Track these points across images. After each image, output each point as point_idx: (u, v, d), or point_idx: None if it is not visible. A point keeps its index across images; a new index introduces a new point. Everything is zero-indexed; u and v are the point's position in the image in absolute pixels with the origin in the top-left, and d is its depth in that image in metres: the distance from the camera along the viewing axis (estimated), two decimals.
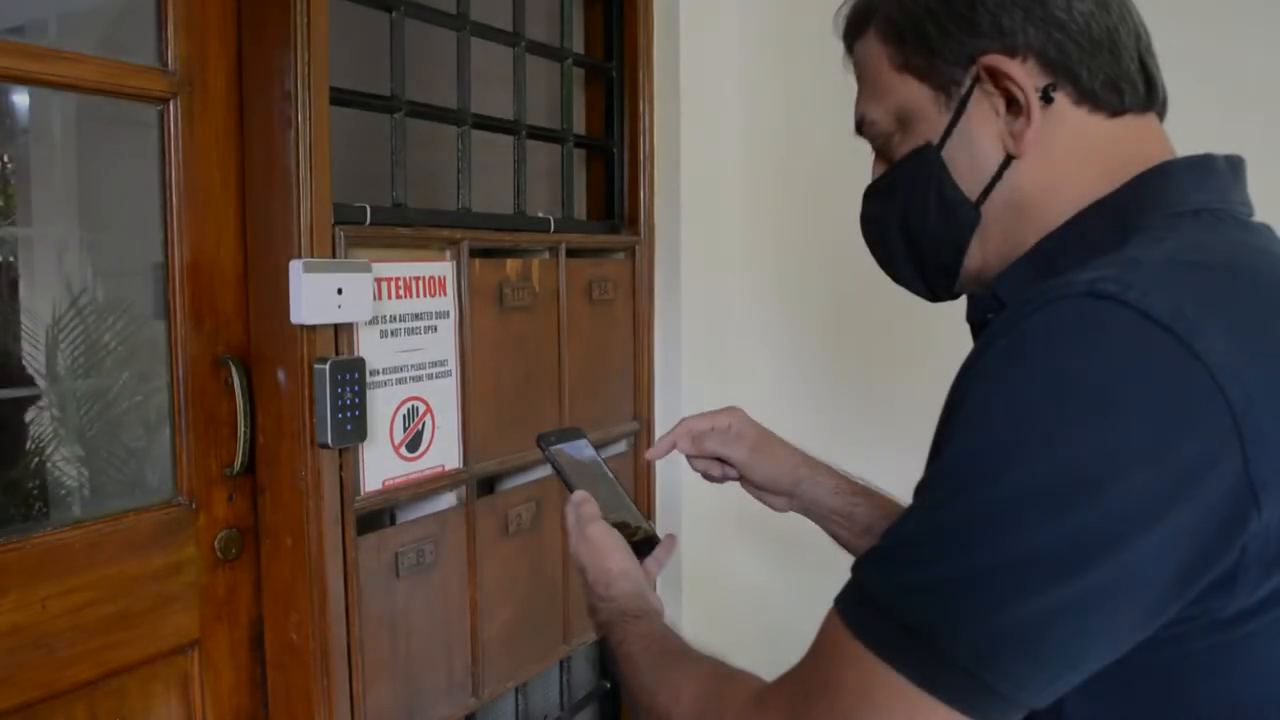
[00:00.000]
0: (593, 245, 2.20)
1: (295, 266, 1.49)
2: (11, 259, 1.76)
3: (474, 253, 1.85)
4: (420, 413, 1.75)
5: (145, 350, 1.65)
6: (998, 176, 0.80)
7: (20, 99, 1.82)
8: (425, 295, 1.75)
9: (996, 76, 0.78)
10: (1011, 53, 0.78)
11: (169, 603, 1.52)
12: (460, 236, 1.81)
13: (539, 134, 2.11)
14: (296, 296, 1.50)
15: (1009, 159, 0.80)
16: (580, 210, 2.33)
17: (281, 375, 1.56)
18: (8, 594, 1.34)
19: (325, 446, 1.54)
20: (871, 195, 0.92)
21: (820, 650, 0.69)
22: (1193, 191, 0.76)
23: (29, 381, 1.68)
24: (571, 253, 2.12)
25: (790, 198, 2.49)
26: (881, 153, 0.90)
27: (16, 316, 1.69)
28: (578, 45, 2.29)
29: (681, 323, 2.36)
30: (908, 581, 0.65)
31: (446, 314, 1.79)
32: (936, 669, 0.62)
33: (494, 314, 1.91)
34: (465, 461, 1.85)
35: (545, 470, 2.06)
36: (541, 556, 2.06)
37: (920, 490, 0.68)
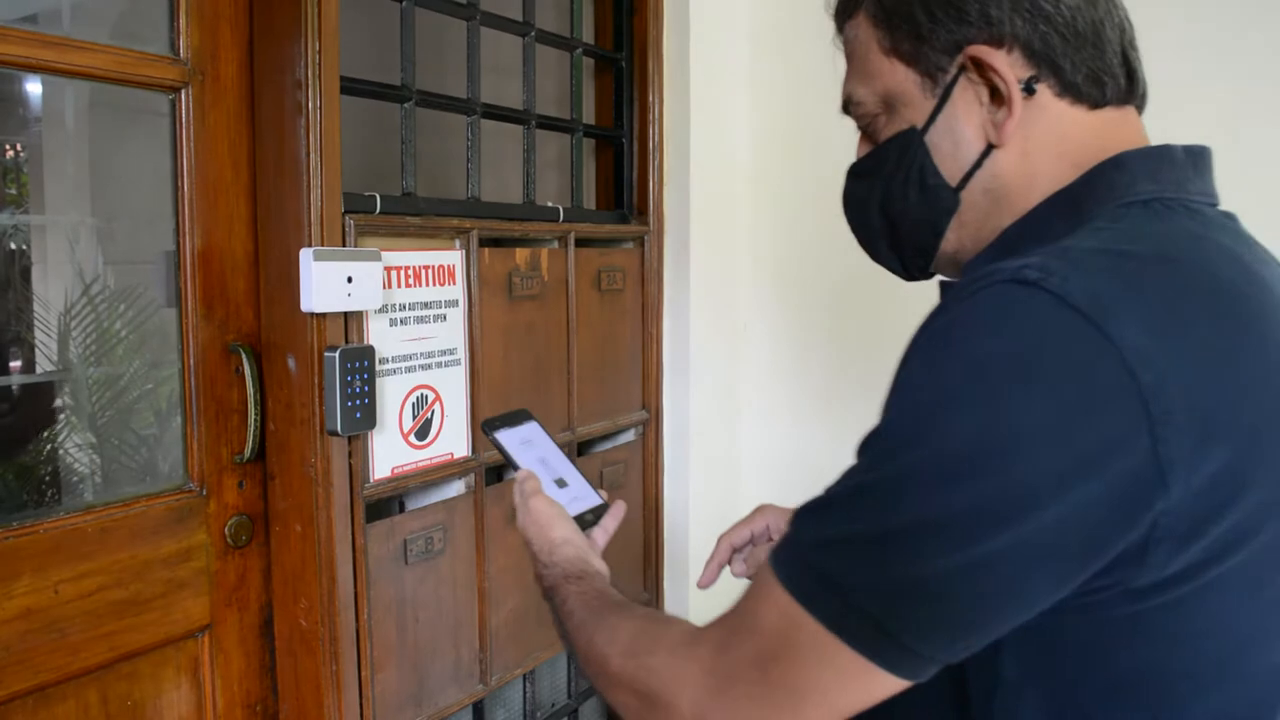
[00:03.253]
0: (601, 235, 2.21)
1: (305, 255, 1.50)
2: (24, 247, 1.78)
3: (483, 242, 1.86)
4: (429, 401, 1.76)
5: (156, 338, 1.67)
6: (978, 164, 0.82)
7: (33, 88, 1.83)
8: (435, 284, 1.76)
9: (981, 67, 0.80)
10: (998, 43, 0.79)
11: (180, 588, 1.54)
12: (470, 226, 1.82)
13: (549, 124, 2.11)
14: (307, 285, 1.50)
15: (990, 147, 0.81)
16: (589, 200, 2.34)
17: (292, 363, 1.57)
18: (20, 578, 1.35)
19: (335, 434, 1.55)
20: (855, 174, 0.94)
21: (752, 593, 0.73)
22: (1145, 182, 0.77)
23: (42, 368, 1.69)
24: (580, 242, 2.12)
25: (799, 187, 2.49)
26: (867, 133, 0.91)
27: (29, 304, 1.70)
28: (587, 35, 2.29)
29: (690, 312, 2.37)
30: (828, 535, 0.68)
31: (456, 303, 1.80)
32: (848, 618, 0.66)
33: (503, 303, 1.92)
34: (474, 450, 1.86)
35: None
36: None
37: (857, 453, 0.72)
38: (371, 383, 1.59)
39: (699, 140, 2.35)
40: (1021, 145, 0.80)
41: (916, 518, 0.64)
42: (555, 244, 2.07)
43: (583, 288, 2.13)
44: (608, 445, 2.30)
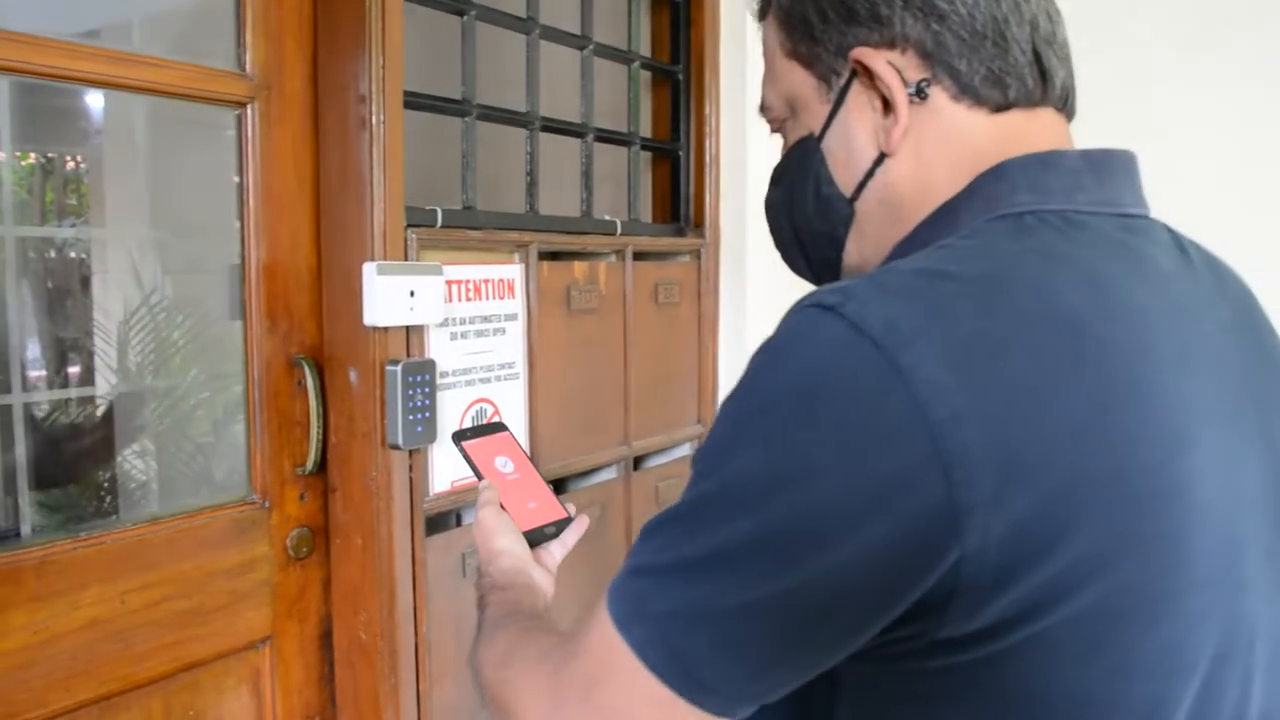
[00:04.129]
0: (658, 248, 2.20)
1: (369, 269, 1.51)
2: (84, 256, 1.80)
3: (542, 255, 1.86)
4: (489, 415, 1.76)
5: (219, 350, 1.68)
6: (870, 173, 0.77)
7: (93, 100, 1.85)
8: (494, 298, 1.76)
9: (870, 71, 0.75)
10: (890, 44, 0.74)
11: (242, 599, 1.55)
12: (529, 239, 1.82)
13: (606, 137, 2.11)
14: (370, 299, 1.51)
15: (882, 155, 0.76)
16: (645, 213, 2.33)
17: (353, 376, 1.58)
18: (88, 588, 1.37)
19: (396, 448, 1.56)
20: (771, 180, 0.89)
21: (589, 614, 0.71)
22: (1023, 192, 0.72)
23: (103, 378, 1.71)
24: (637, 255, 2.12)
25: None
26: (782, 138, 0.87)
27: (89, 313, 1.72)
28: (644, 48, 2.28)
29: (746, 326, 2.35)
30: (645, 561, 0.67)
31: (515, 316, 1.80)
32: (652, 647, 0.64)
33: (561, 317, 1.91)
34: (532, 463, 1.85)
35: (612, 473, 2.07)
36: (605, 560, 2.06)
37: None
38: (433, 396, 1.59)
39: (756, 153, 2.33)
40: (915, 152, 0.75)
41: (709, 550, 0.62)
42: (613, 257, 2.07)
43: (640, 301, 2.12)
44: (663, 460, 2.28)
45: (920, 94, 0.74)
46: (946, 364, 0.59)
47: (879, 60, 0.74)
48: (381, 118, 1.53)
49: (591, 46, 2.03)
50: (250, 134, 1.53)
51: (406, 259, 1.58)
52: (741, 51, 2.30)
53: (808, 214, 0.83)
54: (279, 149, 1.55)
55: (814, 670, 0.64)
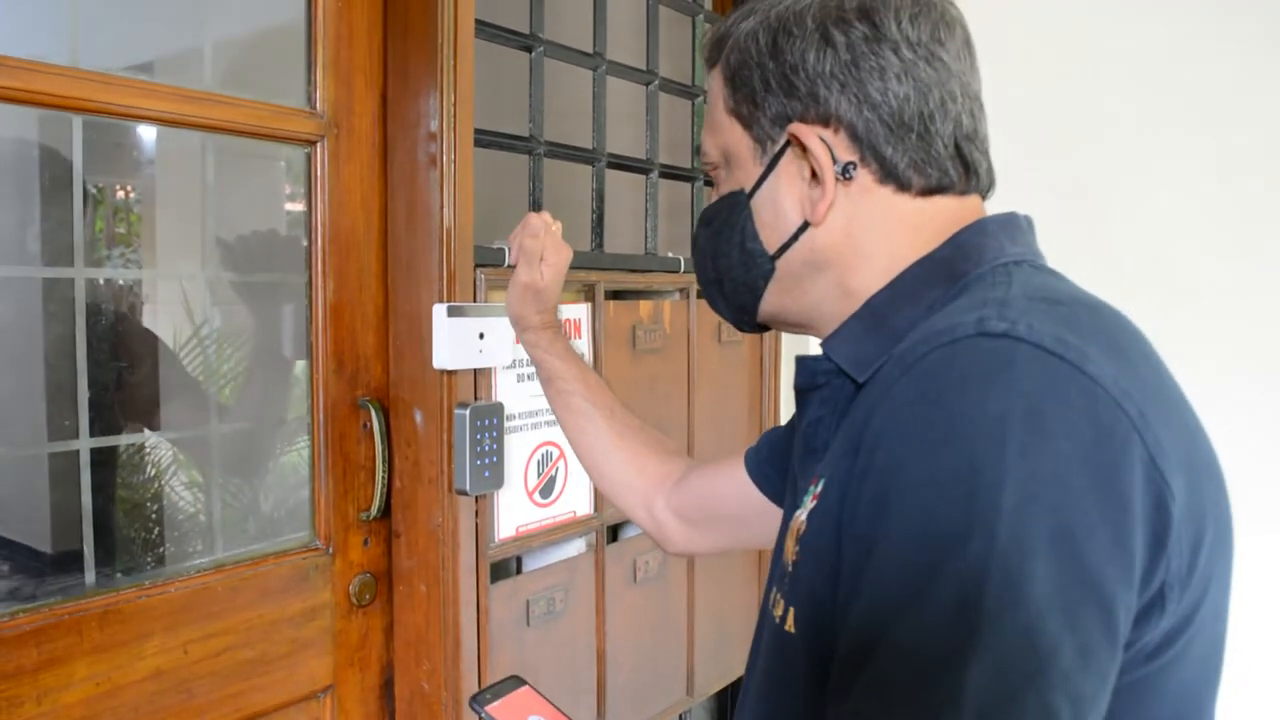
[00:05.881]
0: None
1: (439, 311, 1.47)
2: (134, 287, 1.77)
3: (607, 294, 1.82)
4: (554, 458, 1.71)
5: (283, 393, 1.65)
6: (795, 237, 0.82)
7: (145, 131, 1.83)
8: None
9: (804, 145, 0.80)
10: (824, 122, 0.79)
11: (304, 648, 1.51)
12: (595, 279, 1.78)
13: (670, 173, 2.07)
14: (440, 341, 1.47)
15: (807, 223, 0.81)
16: None
17: (420, 419, 1.54)
18: (152, 638, 1.33)
19: (463, 493, 1.52)
20: (700, 222, 0.94)
21: None
22: (1009, 245, 0.78)
23: (165, 424, 1.68)
24: (700, 293, 2.07)
25: None
26: (714, 184, 0.92)
27: (148, 354, 1.70)
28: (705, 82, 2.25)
29: None
30: None
31: (581, 357, 1.76)
32: None
33: (627, 356, 1.87)
34: (596, 508, 1.81)
35: None
36: (668, 605, 2.01)
37: (848, 607, 0.64)
38: (500, 441, 1.55)
39: None
40: (844, 225, 0.80)
41: (1019, 641, 0.56)
42: (677, 296, 2.02)
43: (703, 340, 2.08)
44: None
45: (846, 174, 0.78)
46: (1117, 370, 0.62)
47: (812, 136, 0.78)
48: (452, 156, 1.50)
49: (657, 81, 1.99)
50: (319, 172, 1.50)
51: (475, 299, 1.55)
52: None
53: (731, 263, 0.88)
54: (348, 187, 1.52)
55: None
